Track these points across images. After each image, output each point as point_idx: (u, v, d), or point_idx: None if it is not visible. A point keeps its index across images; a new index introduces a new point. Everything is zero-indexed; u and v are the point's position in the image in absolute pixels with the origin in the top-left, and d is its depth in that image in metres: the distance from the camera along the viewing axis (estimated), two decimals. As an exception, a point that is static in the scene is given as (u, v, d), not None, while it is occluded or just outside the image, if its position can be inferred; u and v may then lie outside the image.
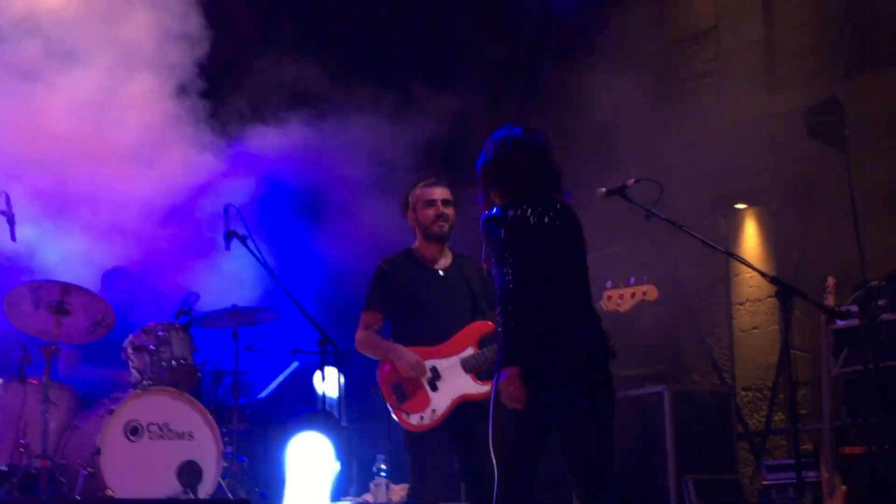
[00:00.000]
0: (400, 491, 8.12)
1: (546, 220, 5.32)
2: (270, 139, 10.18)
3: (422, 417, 6.34)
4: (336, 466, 8.51)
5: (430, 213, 6.67)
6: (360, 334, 6.66)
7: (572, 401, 5.19)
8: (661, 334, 10.75)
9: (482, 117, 11.52)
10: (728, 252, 8.62)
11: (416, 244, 6.76)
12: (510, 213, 5.32)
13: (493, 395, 5.24)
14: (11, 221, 7.59)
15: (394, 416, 6.44)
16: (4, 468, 7.87)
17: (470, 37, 12.13)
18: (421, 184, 6.76)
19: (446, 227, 6.69)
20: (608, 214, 10.71)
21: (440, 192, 6.72)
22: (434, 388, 6.37)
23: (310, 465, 8.42)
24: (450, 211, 6.71)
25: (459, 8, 12.06)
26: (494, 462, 5.23)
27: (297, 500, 8.46)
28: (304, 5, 11.31)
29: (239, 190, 9.73)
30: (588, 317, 5.36)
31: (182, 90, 9.70)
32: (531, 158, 5.46)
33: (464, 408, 6.41)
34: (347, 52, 11.26)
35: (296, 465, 8.47)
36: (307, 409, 9.08)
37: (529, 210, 5.33)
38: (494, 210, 5.38)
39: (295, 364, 9.77)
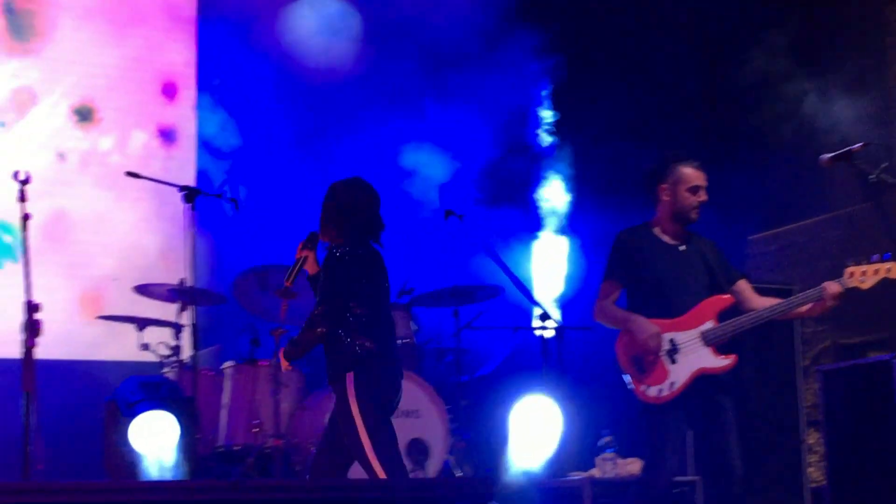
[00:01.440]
0: (629, 465, 8.02)
1: (376, 259, 6.32)
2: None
3: (660, 390, 6.27)
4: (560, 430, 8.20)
5: (693, 199, 6.51)
6: (599, 304, 6.58)
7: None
8: (884, 299, 10.42)
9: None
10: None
11: (659, 217, 6.62)
12: (356, 251, 6.20)
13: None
14: (236, 208, 7.75)
15: (631, 388, 6.38)
16: (240, 448, 8.10)
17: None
18: (688, 164, 6.57)
19: (698, 214, 6.57)
20: (824, 181, 10.58)
21: (704, 179, 6.56)
22: (673, 361, 6.28)
23: (534, 429, 8.16)
24: (706, 198, 6.59)
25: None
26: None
27: (521, 472, 8.28)
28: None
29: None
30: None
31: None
32: (371, 206, 6.34)
33: (701, 381, 6.32)
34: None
35: (519, 432, 8.20)
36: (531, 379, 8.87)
37: (366, 252, 6.27)
38: (345, 248, 6.20)
39: (517, 341, 9.75)
